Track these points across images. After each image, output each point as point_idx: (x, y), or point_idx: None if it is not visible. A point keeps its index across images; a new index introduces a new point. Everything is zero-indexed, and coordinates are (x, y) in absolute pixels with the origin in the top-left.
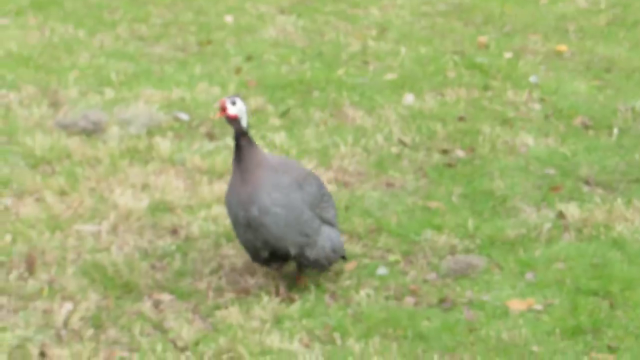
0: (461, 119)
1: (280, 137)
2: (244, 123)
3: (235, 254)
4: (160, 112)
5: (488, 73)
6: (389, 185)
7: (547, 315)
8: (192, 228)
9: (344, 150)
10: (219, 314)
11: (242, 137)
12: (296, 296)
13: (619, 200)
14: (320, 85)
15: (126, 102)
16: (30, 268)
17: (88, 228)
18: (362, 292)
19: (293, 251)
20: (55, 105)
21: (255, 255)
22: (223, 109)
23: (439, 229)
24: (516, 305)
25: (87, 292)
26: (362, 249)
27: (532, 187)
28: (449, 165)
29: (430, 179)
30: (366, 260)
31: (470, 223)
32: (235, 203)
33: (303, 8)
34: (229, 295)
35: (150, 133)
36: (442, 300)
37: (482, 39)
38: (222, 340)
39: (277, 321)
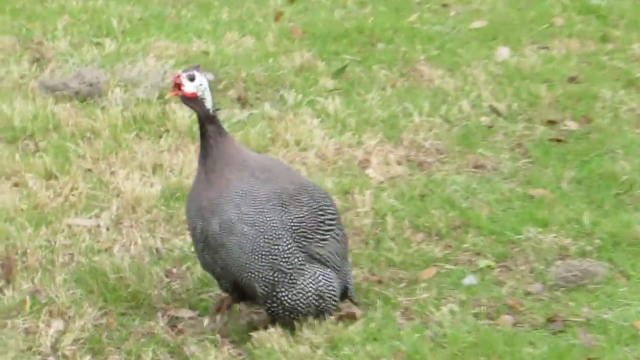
0: (572, 79)
1: (334, 104)
2: (208, 104)
3: None
4: (176, 71)
5: (607, 19)
6: (478, 167)
7: None
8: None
9: (417, 121)
10: (255, 336)
11: (206, 124)
12: (358, 312)
13: None
14: (386, 36)
15: (131, 57)
16: (8, 274)
17: (83, 222)
18: (444, 309)
19: (260, 289)
20: (39, 61)
21: (218, 283)
22: (177, 86)
23: (544, 225)
24: None
25: (82, 306)
26: (443, 252)
27: None
28: (557, 141)
29: (532, 159)
30: (449, 267)
31: (586, 217)
32: (194, 210)
33: None
34: None
35: (163, 97)
36: (550, 320)
37: None
38: None
39: (333, 346)
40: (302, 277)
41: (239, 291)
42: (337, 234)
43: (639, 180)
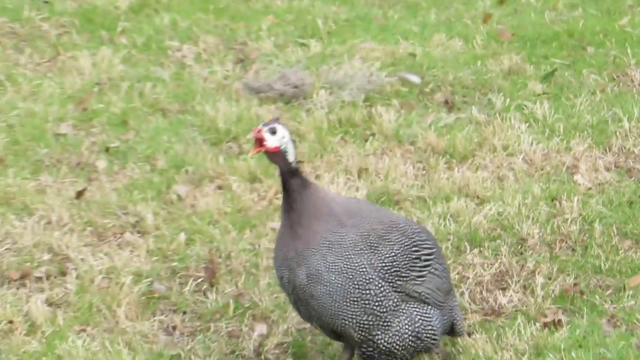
0: None
1: (542, 109)
2: (290, 157)
3: (482, 262)
4: (382, 73)
5: None
6: None
7: None
8: (425, 226)
9: (628, 126)
10: (460, 341)
11: (290, 178)
12: (564, 319)
13: None
14: (596, 39)
15: (337, 59)
16: (211, 278)
17: None
18: None
19: (356, 335)
20: (242, 62)
21: (324, 333)
22: (259, 141)
23: None
24: None
25: (285, 310)
26: None
27: None
28: None
29: None
30: None
31: None
32: (281, 260)
33: None
34: (474, 317)
35: (368, 100)
36: None
37: None
38: None
39: (538, 353)
40: (397, 319)
41: (338, 337)
42: (437, 269)
43: None
